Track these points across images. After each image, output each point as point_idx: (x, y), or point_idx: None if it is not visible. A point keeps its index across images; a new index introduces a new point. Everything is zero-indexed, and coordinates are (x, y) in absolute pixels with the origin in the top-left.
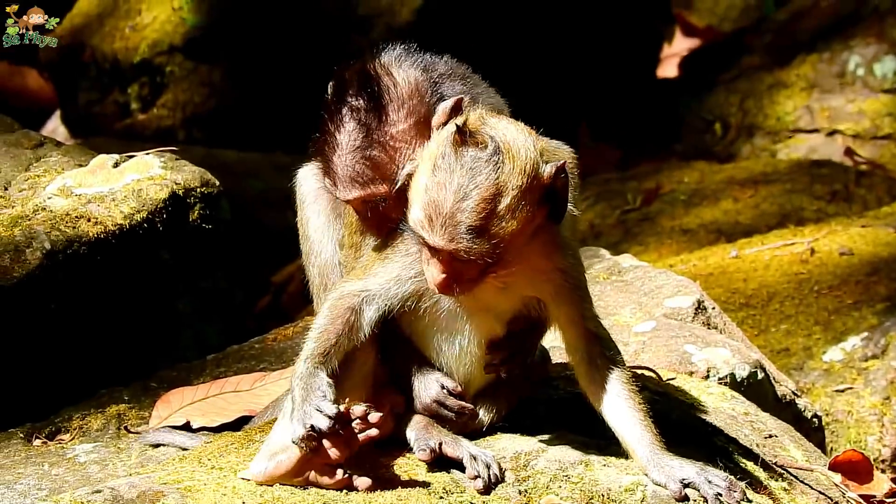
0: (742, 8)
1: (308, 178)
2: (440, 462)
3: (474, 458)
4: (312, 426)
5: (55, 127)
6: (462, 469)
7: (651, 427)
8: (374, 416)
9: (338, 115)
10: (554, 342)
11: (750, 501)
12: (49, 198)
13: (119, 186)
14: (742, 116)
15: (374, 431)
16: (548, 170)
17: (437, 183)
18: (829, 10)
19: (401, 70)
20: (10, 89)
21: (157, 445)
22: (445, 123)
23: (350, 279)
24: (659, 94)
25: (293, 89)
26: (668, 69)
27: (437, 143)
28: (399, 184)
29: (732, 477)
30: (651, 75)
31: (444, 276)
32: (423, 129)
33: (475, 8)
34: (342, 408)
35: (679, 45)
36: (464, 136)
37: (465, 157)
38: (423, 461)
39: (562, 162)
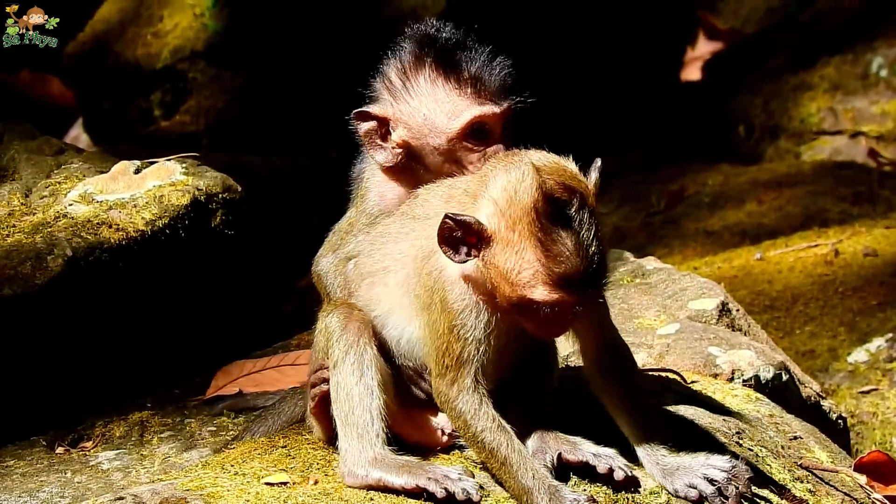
0: (765, 10)
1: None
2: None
3: (598, 456)
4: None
5: (77, 134)
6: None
7: (659, 433)
8: None
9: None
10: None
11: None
12: (70, 204)
13: (140, 193)
14: (766, 118)
15: None
16: (593, 180)
17: (556, 256)
18: (852, 11)
19: None
20: (33, 97)
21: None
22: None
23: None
24: (683, 96)
25: (316, 94)
26: (692, 72)
27: (517, 211)
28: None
29: (738, 464)
30: (675, 78)
31: (567, 326)
32: None
33: (498, 12)
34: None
35: (702, 48)
36: (554, 204)
37: (563, 219)
38: None
39: (597, 164)
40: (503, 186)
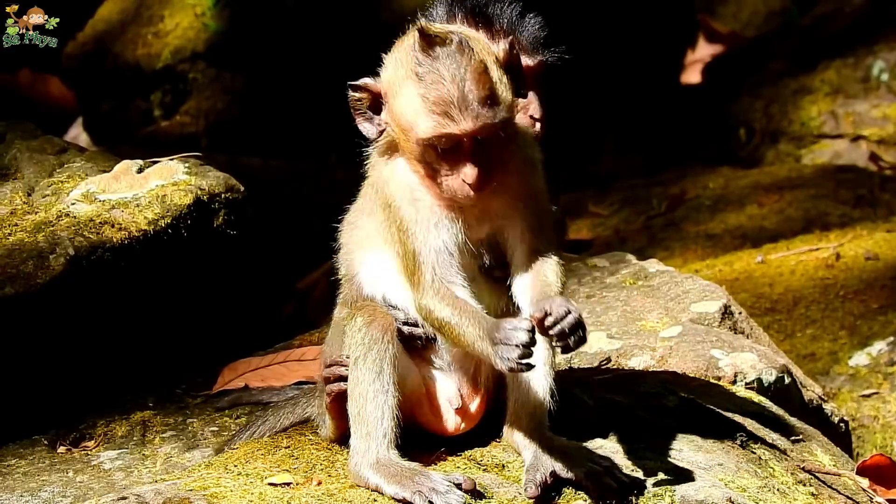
0: (766, 13)
1: None
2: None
3: (590, 476)
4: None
5: (77, 134)
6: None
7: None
8: None
9: None
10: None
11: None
12: (73, 203)
13: (143, 192)
14: (766, 122)
15: None
16: (502, 47)
17: (431, 83)
18: (853, 15)
19: None
20: (33, 96)
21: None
22: None
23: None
24: (683, 99)
25: (317, 96)
26: (692, 75)
27: (402, 59)
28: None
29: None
30: (675, 81)
31: (475, 168)
32: None
33: None
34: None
35: (702, 51)
36: (430, 39)
37: (441, 53)
38: (531, 497)
39: (509, 38)
40: (397, 49)
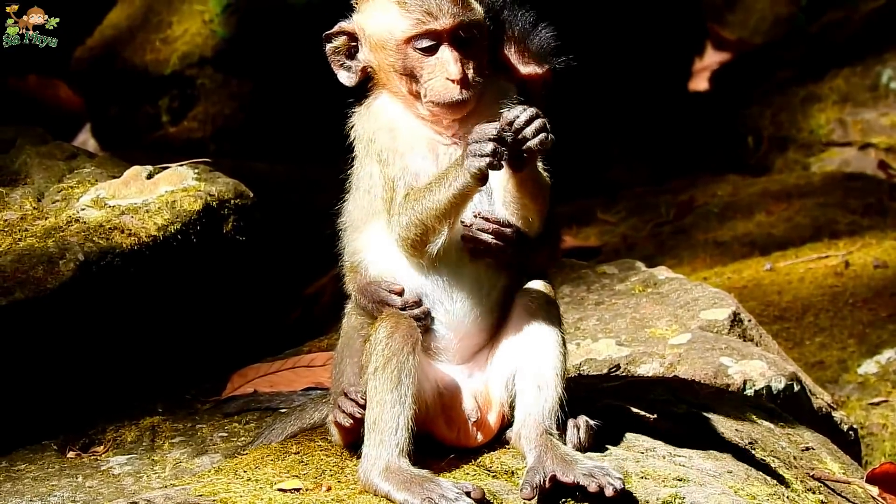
0: (773, 21)
1: None
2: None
3: (589, 475)
4: None
5: (85, 139)
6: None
7: None
8: None
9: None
10: (590, 354)
11: None
12: (82, 209)
13: (153, 198)
14: (774, 129)
15: None
16: None
17: None
18: (861, 22)
19: None
20: (41, 101)
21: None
22: None
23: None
24: (691, 107)
25: (324, 101)
26: (700, 82)
27: None
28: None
29: None
30: (683, 89)
31: (458, 63)
32: None
33: None
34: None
35: (710, 59)
36: None
37: None
38: (525, 498)
39: None
40: None
